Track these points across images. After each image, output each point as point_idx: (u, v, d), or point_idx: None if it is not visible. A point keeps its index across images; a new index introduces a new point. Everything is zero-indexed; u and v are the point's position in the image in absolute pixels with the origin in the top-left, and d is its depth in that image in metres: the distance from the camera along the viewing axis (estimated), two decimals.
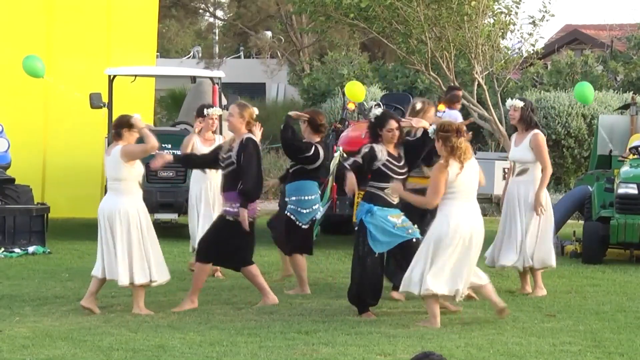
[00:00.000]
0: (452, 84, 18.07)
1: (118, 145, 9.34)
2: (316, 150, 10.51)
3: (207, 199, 11.75)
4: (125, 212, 9.31)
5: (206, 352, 7.91)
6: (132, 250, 9.34)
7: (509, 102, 11.07)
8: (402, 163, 9.38)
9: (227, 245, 9.66)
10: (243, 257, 9.82)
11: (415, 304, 9.99)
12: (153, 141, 9.31)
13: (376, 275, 9.36)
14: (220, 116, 12.53)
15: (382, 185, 9.26)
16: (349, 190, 9.28)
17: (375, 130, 9.44)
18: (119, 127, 9.43)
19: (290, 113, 10.93)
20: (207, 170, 11.44)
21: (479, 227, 8.95)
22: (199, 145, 11.88)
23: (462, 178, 8.80)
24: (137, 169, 9.45)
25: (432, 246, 8.80)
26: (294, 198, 10.70)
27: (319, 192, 10.86)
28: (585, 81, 14.30)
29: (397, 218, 9.27)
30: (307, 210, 10.69)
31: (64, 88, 14.24)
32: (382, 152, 9.27)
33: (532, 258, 10.50)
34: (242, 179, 9.45)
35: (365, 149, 9.36)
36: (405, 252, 9.22)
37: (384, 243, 9.23)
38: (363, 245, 9.28)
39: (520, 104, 10.73)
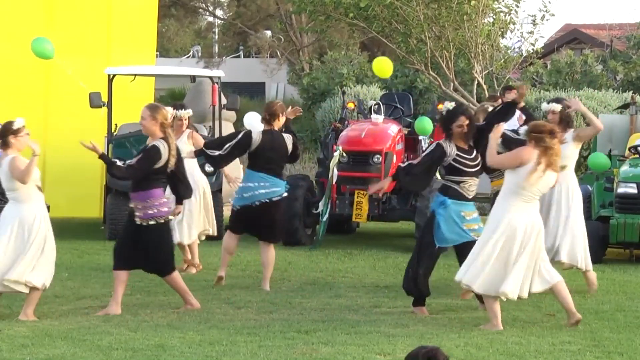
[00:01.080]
0: (509, 84, 18.13)
1: (7, 157, 9.07)
2: (246, 135, 10.68)
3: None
4: (23, 220, 9.08)
5: (206, 351, 7.91)
6: (28, 255, 9.05)
7: (545, 105, 11.13)
8: (473, 155, 9.29)
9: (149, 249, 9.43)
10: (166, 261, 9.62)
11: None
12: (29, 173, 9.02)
13: (429, 267, 9.38)
14: (189, 117, 12.36)
15: (456, 179, 9.24)
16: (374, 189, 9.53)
17: (446, 124, 9.37)
18: (5, 135, 9.16)
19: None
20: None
21: (536, 227, 8.69)
22: (184, 142, 11.93)
23: (539, 182, 8.51)
24: (33, 175, 9.13)
25: (485, 243, 8.69)
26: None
27: (263, 180, 10.82)
28: None
29: (469, 215, 9.28)
30: (238, 196, 10.91)
31: (71, 73, 14.21)
32: (450, 147, 9.20)
33: (562, 253, 10.57)
34: (128, 164, 9.36)
35: (431, 148, 9.43)
36: (466, 251, 9.10)
37: (448, 240, 9.23)
38: (428, 235, 9.29)
39: (558, 107, 10.75)
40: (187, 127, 12.18)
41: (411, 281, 9.42)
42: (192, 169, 11.71)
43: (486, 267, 8.59)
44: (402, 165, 9.56)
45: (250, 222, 10.90)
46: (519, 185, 8.55)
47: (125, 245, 9.57)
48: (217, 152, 10.74)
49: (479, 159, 9.28)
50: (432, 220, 9.29)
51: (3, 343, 8.13)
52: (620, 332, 8.69)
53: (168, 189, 9.74)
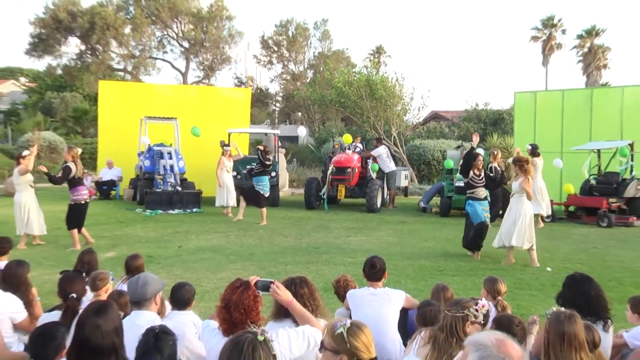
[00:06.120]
0: (377, 137, 17.98)
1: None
2: (273, 163, 11.02)
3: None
4: None
5: (273, 256, 7.92)
6: None
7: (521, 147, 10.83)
8: (480, 178, 7.95)
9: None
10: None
11: (350, 233, 9.93)
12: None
13: (481, 234, 7.96)
14: (229, 150, 12.44)
15: (472, 191, 7.96)
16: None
17: (470, 161, 8.08)
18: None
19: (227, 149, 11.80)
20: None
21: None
22: (225, 161, 12.08)
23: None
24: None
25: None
26: (260, 184, 11.00)
27: (268, 181, 11.07)
28: None
29: (483, 208, 7.96)
30: (266, 189, 11.08)
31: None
32: (471, 173, 7.98)
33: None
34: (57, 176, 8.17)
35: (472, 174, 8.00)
36: (479, 227, 7.92)
37: (480, 217, 7.86)
38: (470, 221, 8.00)
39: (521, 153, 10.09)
40: (230, 156, 12.24)
41: (472, 242, 8.03)
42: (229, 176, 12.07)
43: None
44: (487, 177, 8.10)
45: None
46: (519, 192, 7.49)
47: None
48: None
49: (484, 180, 7.99)
50: (468, 214, 8.02)
51: (183, 252, 8.17)
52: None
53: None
